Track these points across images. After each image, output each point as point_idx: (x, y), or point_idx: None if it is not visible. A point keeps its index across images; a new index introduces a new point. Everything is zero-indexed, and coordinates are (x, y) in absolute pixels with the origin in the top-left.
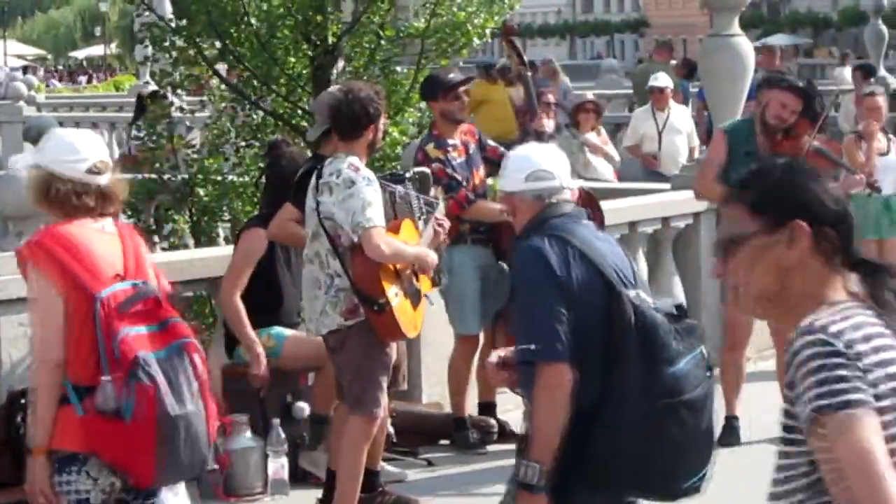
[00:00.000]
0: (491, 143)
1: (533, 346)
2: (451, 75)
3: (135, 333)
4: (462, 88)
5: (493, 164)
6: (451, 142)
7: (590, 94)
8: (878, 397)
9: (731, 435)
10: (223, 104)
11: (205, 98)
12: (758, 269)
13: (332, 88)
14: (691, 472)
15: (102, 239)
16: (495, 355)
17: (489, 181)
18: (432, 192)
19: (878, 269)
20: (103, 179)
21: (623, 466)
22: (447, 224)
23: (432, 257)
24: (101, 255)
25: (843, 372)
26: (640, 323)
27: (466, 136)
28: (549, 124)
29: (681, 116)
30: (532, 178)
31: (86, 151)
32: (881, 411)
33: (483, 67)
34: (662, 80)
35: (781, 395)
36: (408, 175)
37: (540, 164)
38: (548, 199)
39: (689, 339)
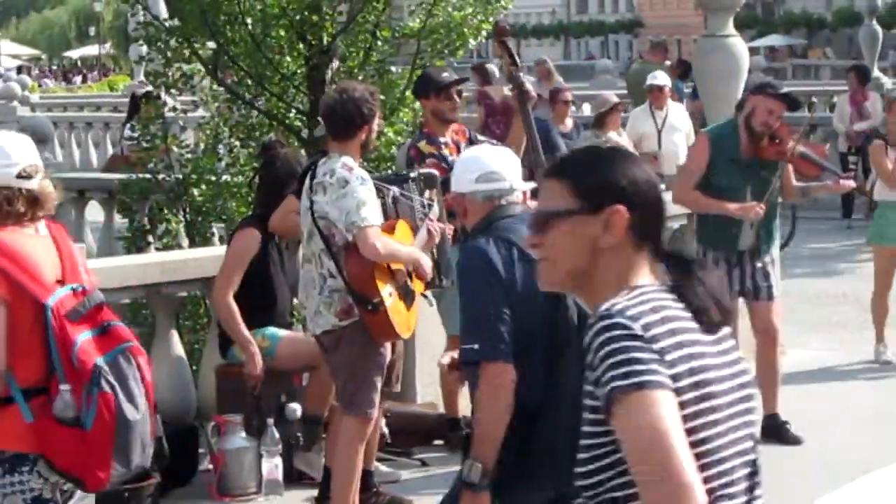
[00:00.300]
0: (482, 138)
1: (476, 346)
2: (444, 75)
3: (86, 340)
4: (454, 88)
5: None
6: (442, 140)
7: (613, 96)
8: (675, 378)
9: None
10: (216, 104)
11: (197, 98)
12: (572, 247)
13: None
14: None
15: (38, 244)
16: (448, 356)
17: None
18: (427, 193)
19: (684, 261)
20: (33, 184)
21: (564, 465)
22: (441, 226)
23: (425, 259)
24: (40, 262)
25: (638, 354)
26: (582, 323)
27: (457, 136)
28: (568, 123)
29: (679, 115)
30: (482, 179)
31: (16, 156)
32: (679, 392)
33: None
34: (661, 78)
35: (584, 378)
36: (412, 175)
37: (490, 166)
38: (498, 200)
39: None
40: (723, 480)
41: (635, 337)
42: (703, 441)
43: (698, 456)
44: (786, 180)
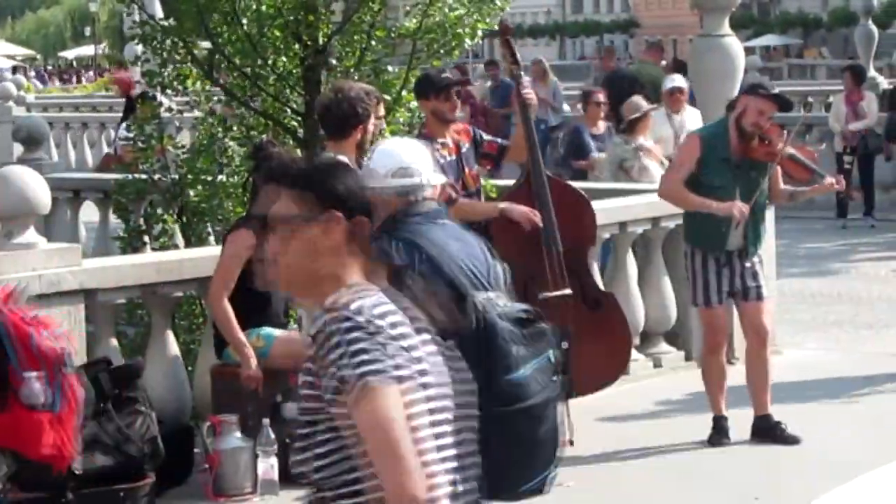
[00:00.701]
0: (487, 137)
1: None
2: (444, 76)
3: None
4: (454, 89)
5: (493, 159)
6: (440, 141)
7: (644, 101)
8: (397, 368)
9: (719, 435)
10: (210, 104)
11: (191, 99)
12: (294, 248)
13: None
14: (530, 476)
15: None
16: None
17: (482, 181)
18: None
19: (397, 268)
20: None
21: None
22: None
23: None
24: None
25: (364, 345)
26: (481, 328)
27: (460, 135)
28: (601, 125)
29: (695, 119)
30: (397, 174)
31: None
32: (400, 380)
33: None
34: (679, 81)
35: (304, 370)
36: None
37: (405, 161)
38: (411, 196)
39: (534, 346)
40: (445, 467)
41: (360, 328)
42: (426, 431)
43: (421, 450)
44: (773, 183)
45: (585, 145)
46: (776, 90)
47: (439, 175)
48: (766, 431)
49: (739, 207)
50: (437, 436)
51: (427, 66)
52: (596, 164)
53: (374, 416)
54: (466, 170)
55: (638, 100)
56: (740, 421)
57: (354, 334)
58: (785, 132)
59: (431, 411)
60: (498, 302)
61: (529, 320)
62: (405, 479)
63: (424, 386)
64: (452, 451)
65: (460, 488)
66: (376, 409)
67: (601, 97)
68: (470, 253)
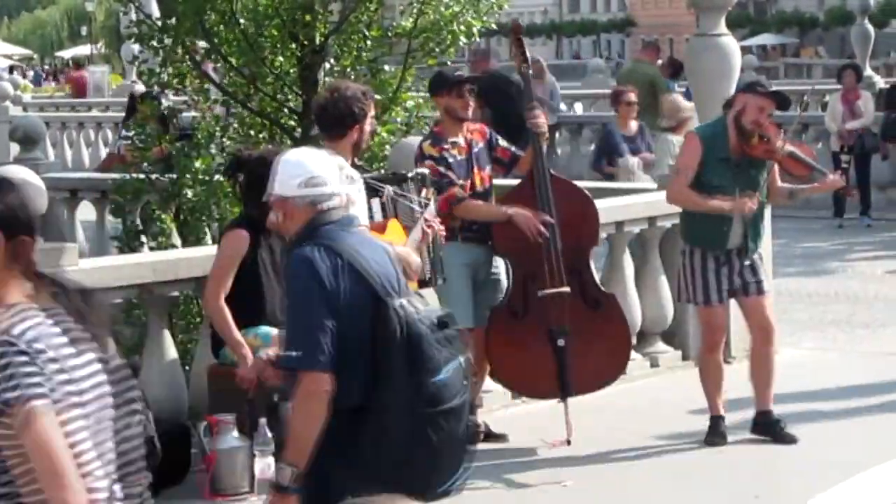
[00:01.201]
0: (503, 143)
1: (296, 354)
2: (458, 72)
3: None
4: (467, 87)
5: (504, 166)
6: (451, 139)
7: (684, 101)
8: (53, 390)
9: (716, 435)
10: (208, 104)
11: (189, 99)
12: None
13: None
14: (448, 476)
15: None
16: (264, 352)
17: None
18: (423, 192)
19: (56, 281)
20: None
21: (386, 470)
22: (436, 226)
23: (414, 258)
24: None
25: (26, 368)
26: (405, 334)
27: (474, 135)
28: (632, 126)
29: None
30: (307, 184)
31: None
32: (58, 402)
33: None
34: None
35: None
36: (410, 175)
37: (314, 170)
38: (321, 205)
39: (451, 349)
40: (106, 482)
41: (23, 353)
42: (85, 447)
43: (81, 463)
44: (771, 182)
45: (616, 146)
46: (773, 88)
47: (345, 185)
48: (766, 428)
49: (749, 204)
50: (99, 452)
51: (423, 65)
52: (621, 171)
53: (37, 439)
54: (476, 169)
55: (681, 100)
56: (738, 421)
57: (13, 358)
58: (782, 130)
59: (88, 429)
60: (416, 306)
61: (445, 324)
62: (67, 496)
63: (83, 405)
64: (113, 465)
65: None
66: (38, 432)
67: (632, 97)
68: (380, 260)
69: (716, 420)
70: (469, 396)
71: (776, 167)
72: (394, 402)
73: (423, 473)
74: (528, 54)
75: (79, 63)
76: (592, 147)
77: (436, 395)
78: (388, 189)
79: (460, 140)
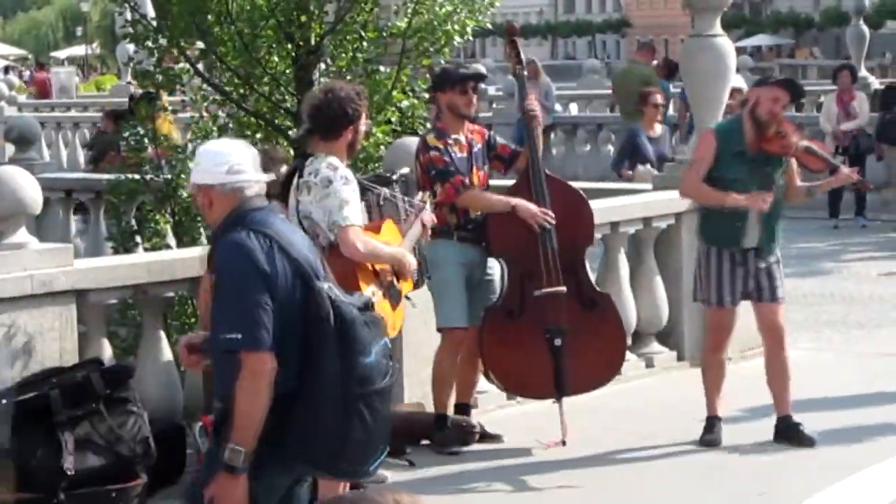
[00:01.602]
0: (501, 141)
1: (238, 336)
2: (462, 70)
3: None
4: (470, 83)
5: (504, 162)
6: (453, 136)
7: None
8: None
9: (712, 434)
10: (205, 104)
11: (186, 98)
12: None
13: (316, 88)
14: (376, 455)
15: None
16: (185, 338)
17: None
18: (419, 195)
19: None
20: None
21: (320, 450)
22: (428, 225)
23: (409, 259)
24: None
25: None
26: (337, 316)
27: (474, 135)
28: (657, 129)
29: None
30: (231, 171)
31: None
32: None
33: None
34: (739, 80)
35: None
36: (394, 177)
37: (236, 158)
38: (247, 191)
39: (375, 330)
40: None
41: None
42: None
43: None
44: (790, 181)
45: (640, 148)
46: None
47: (263, 174)
48: (788, 432)
49: (763, 198)
50: None
51: (417, 65)
52: (638, 176)
53: None
54: (475, 168)
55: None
56: (734, 420)
57: None
58: (800, 127)
59: None
60: (338, 291)
61: (368, 308)
62: None
63: None
64: None
65: None
66: None
67: (659, 98)
68: (305, 245)
69: (712, 420)
70: (394, 378)
71: (794, 166)
72: (327, 384)
73: (357, 454)
74: (522, 56)
75: (42, 64)
76: (588, 147)
77: (366, 376)
78: (384, 190)
79: (461, 138)
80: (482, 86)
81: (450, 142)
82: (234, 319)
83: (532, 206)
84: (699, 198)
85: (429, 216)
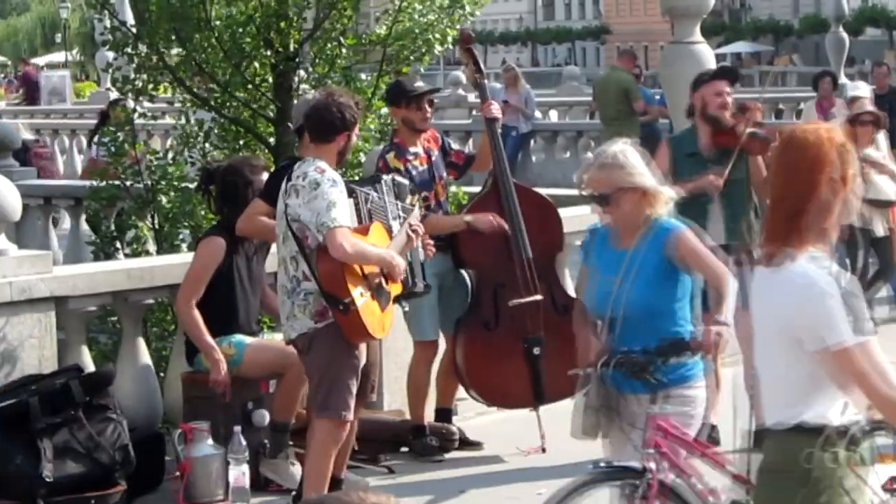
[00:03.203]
0: (455, 146)
1: None
2: (417, 84)
3: None
4: (426, 98)
5: (458, 169)
6: (412, 150)
7: (867, 104)
8: None
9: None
10: (193, 108)
11: (165, 105)
12: None
13: (311, 94)
14: None
15: None
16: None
17: (452, 188)
18: (409, 199)
19: None
20: None
21: None
22: (421, 230)
23: (398, 261)
24: None
25: None
26: None
27: (429, 143)
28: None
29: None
30: None
31: None
32: None
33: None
34: (863, 89)
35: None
36: (384, 178)
37: None
38: None
39: None
40: None
41: None
42: None
43: None
44: (756, 174)
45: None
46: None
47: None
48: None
49: (710, 180)
50: None
51: (398, 72)
52: None
53: None
54: (437, 178)
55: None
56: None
57: None
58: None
59: None
60: None
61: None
62: None
63: None
64: None
65: None
66: None
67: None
68: None
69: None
70: None
71: (760, 160)
72: None
73: None
74: (481, 64)
75: (26, 62)
76: (567, 154)
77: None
78: (371, 193)
79: (420, 150)
80: (461, 93)
81: (409, 157)
82: None
83: (485, 216)
84: None
85: (416, 219)
